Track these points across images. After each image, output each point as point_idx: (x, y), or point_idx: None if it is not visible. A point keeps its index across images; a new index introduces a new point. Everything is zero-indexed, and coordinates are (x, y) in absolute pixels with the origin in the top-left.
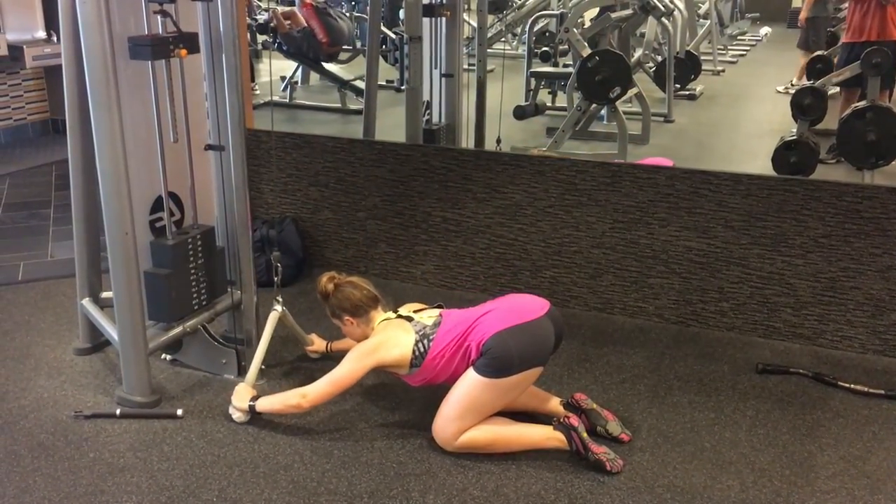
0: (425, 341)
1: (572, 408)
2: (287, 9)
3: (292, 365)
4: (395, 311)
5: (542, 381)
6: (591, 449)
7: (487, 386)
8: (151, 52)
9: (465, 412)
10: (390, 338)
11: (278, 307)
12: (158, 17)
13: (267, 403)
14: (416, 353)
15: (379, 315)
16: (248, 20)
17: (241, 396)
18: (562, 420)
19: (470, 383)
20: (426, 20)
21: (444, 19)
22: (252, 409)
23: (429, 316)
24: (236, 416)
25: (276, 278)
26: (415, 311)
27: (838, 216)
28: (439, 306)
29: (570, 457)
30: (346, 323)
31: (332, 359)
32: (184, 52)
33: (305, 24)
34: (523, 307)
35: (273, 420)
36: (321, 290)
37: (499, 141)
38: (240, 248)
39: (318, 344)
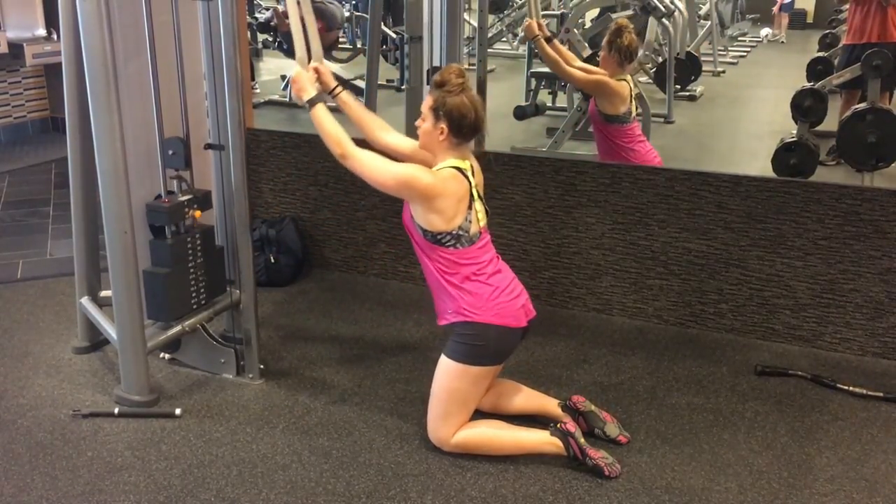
0: (455, 241)
1: (570, 410)
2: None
3: (292, 364)
4: (473, 171)
5: (541, 381)
6: (589, 454)
7: (462, 373)
8: (168, 218)
9: (448, 406)
10: (446, 199)
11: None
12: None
13: (322, 117)
14: (440, 237)
15: (462, 153)
16: (248, 19)
17: (303, 82)
18: (559, 426)
19: (445, 373)
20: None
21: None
22: (311, 103)
23: (479, 217)
24: (297, 89)
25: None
26: (479, 194)
27: (838, 218)
28: (487, 211)
29: (568, 460)
30: (438, 128)
31: (343, 361)
32: (198, 213)
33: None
34: (516, 308)
35: (271, 420)
36: (445, 79)
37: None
38: (239, 247)
39: (326, 75)
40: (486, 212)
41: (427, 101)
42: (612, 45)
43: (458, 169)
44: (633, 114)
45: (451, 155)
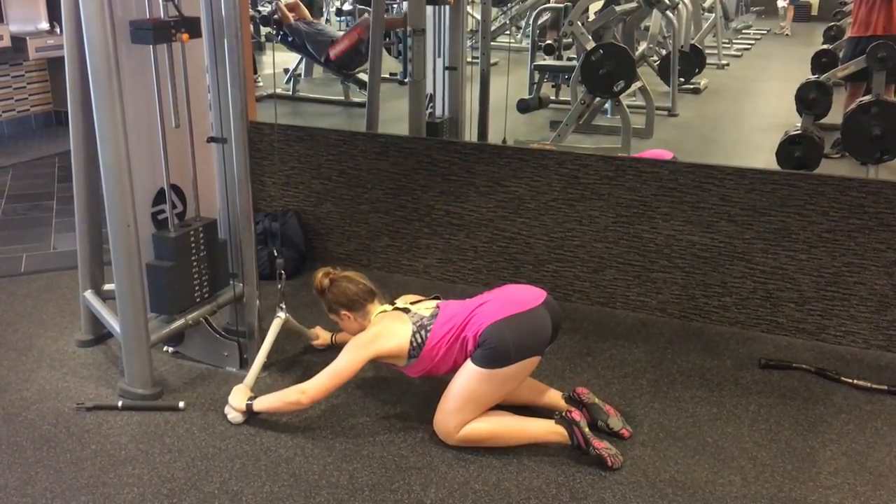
0: (423, 332)
1: (574, 402)
2: (291, 0)
3: (293, 359)
4: (392, 304)
5: (544, 375)
6: (593, 444)
7: (485, 377)
8: (153, 37)
9: (464, 404)
10: (387, 328)
11: (281, 314)
12: (161, 1)
13: (265, 403)
14: (414, 343)
15: (376, 308)
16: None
17: (239, 397)
18: (564, 414)
19: (468, 375)
20: (429, 9)
21: (447, 7)
22: (249, 408)
23: (426, 307)
24: (232, 415)
25: (279, 285)
26: (412, 303)
27: (842, 211)
28: (436, 297)
29: (571, 451)
30: (343, 317)
31: (336, 349)
32: (186, 36)
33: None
34: (520, 297)
35: (274, 414)
36: (317, 286)
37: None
38: (242, 240)
39: (322, 337)
40: (436, 297)
41: (325, 310)
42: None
43: (381, 311)
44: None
45: (370, 310)
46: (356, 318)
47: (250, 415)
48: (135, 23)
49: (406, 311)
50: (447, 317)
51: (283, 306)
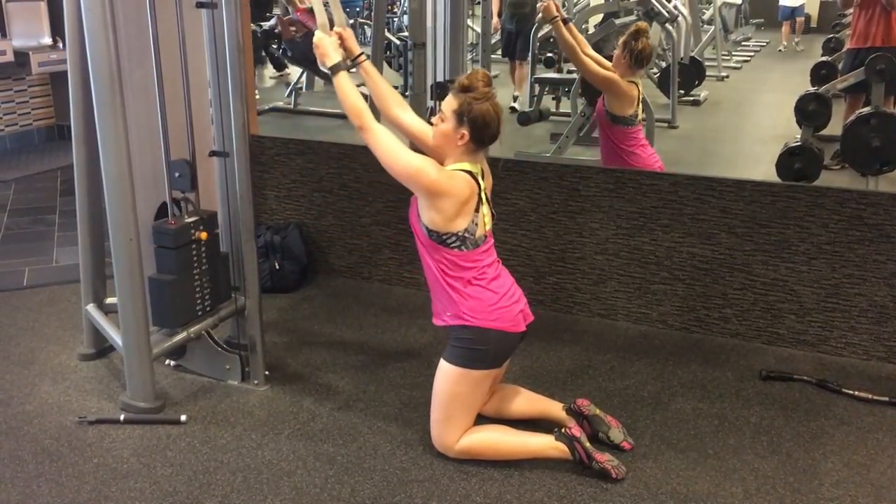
0: (459, 243)
1: (574, 413)
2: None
3: (297, 370)
4: (483, 174)
5: (545, 387)
6: (595, 458)
7: (462, 377)
8: (174, 241)
9: (450, 411)
10: (455, 200)
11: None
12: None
13: (344, 86)
14: (444, 237)
15: (477, 156)
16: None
17: (326, 47)
18: (564, 431)
19: (445, 378)
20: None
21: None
22: (333, 71)
23: (485, 222)
24: (320, 54)
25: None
26: (487, 200)
27: (842, 223)
28: (493, 214)
29: (573, 464)
30: (455, 130)
31: (349, 366)
32: (203, 234)
33: (307, 30)
34: (514, 313)
35: (276, 426)
36: (472, 85)
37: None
38: (244, 253)
39: (350, 41)
40: (493, 215)
41: (450, 103)
42: (627, 47)
43: (470, 173)
44: (639, 117)
45: (466, 159)
46: (460, 141)
47: (330, 73)
48: (156, 226)
49: (478, 204)
50: (476, 259)
51: None
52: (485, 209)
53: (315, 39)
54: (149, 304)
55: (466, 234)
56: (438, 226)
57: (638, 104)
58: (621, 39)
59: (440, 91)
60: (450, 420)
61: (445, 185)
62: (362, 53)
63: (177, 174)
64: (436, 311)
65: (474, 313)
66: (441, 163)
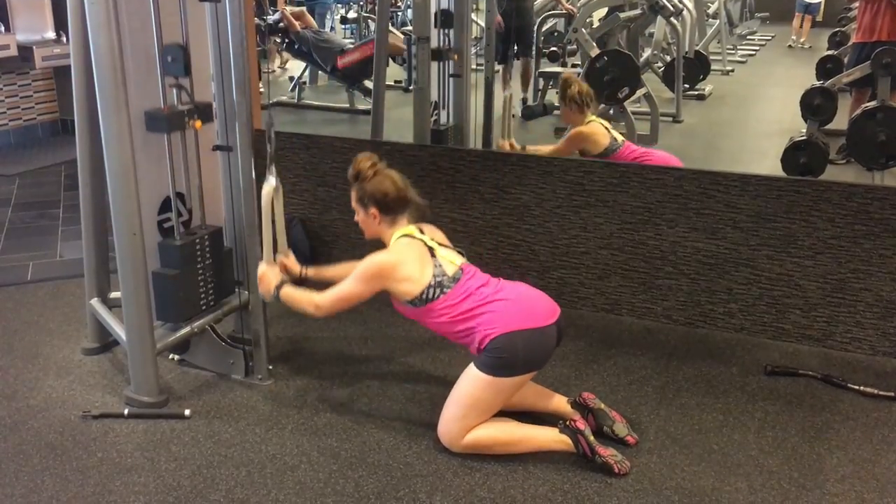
0: (439, 290)
1: (580, 407)
2: (297, 9)
3: (301, 365)
4: (420, 230)
5: (550, 381)
6: (599, 452)
7: (489, 384)
8: (167, 125)
9: (468, 411)
10: (407, 265)
11: (272, 179)
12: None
13: (289, 295)
14: (425, 296)
15: (404, 224)
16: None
17: (269, 279)
18: (568, 423)
19: (471, 381)
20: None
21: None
22: (277, 291)
23: (451, 261)
24: (262, 289)
25: (268, 146)
26: (439, 244)
27: (848, 217)
28: (460, 252)
29: (576, 458)
30: (370, 216)
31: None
32: (198, 123)
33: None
34: (536, 308)
35: (280, 420)
36: (358, 170)
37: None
38: (247, 248)
39: (291, 264)
40: (460, 252)
41: (352, 197)
42: (565, 99)
43: (406, 235)
44: (619, 140)
45: (395, 229)
46: (382, 222)
47: (273, 296)
48: (150, 113)
49: (432, 252)
50: (465, 289)
51: (274, 170)
52: (441, 252)
53: (259, 272)
54: (153, 299)
55: (439, 279)
56: (413, 292)
57: (610, 132)
58: (559, 96)
59: (444, 18)
60: (464, 419)
61: (395, 256)
62: (303, 267)
63: (169, 58)
64: (469, 347)
65: (493, 325)
66: (385, 246)
